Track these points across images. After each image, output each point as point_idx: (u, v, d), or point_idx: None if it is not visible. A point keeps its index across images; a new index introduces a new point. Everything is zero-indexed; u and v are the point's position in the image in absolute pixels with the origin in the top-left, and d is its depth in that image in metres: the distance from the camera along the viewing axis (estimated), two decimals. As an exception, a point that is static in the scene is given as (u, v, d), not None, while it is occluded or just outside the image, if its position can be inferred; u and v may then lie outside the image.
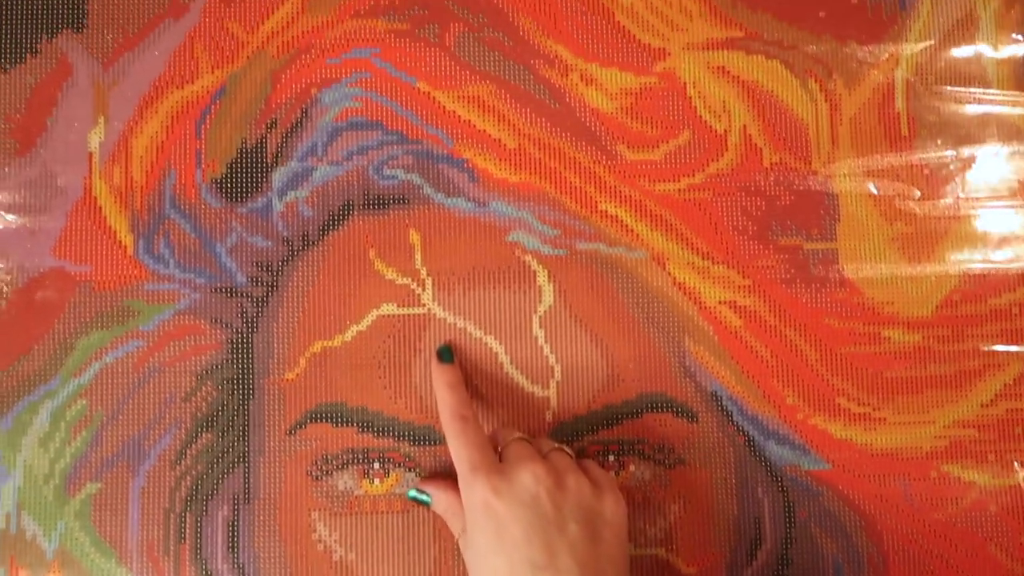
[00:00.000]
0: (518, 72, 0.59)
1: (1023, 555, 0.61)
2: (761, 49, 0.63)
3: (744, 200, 0.61)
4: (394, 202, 0.59)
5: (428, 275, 0.62)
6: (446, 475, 0.57)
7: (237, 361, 0.60)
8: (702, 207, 0.63)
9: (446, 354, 0.60)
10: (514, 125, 0.60)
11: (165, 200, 0.58)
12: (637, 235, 0.63)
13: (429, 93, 0.61)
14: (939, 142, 0.63)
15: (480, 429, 0.58)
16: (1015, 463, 0.61)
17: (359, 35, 0.62)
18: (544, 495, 0.56)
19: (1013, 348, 0.62)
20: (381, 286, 0.61)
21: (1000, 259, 0.63)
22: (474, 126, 0.59)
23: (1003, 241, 0.63)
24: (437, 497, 0.56)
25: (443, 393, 0.58)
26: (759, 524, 0.61)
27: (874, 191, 0.63)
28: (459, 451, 0.57)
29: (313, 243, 0.62)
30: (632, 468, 0.60)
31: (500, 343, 0.60)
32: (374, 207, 0.59)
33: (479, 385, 0.62)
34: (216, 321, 0.61)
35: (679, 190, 0.61)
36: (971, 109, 0.64)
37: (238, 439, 0.60)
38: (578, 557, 0.55)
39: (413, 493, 0.57)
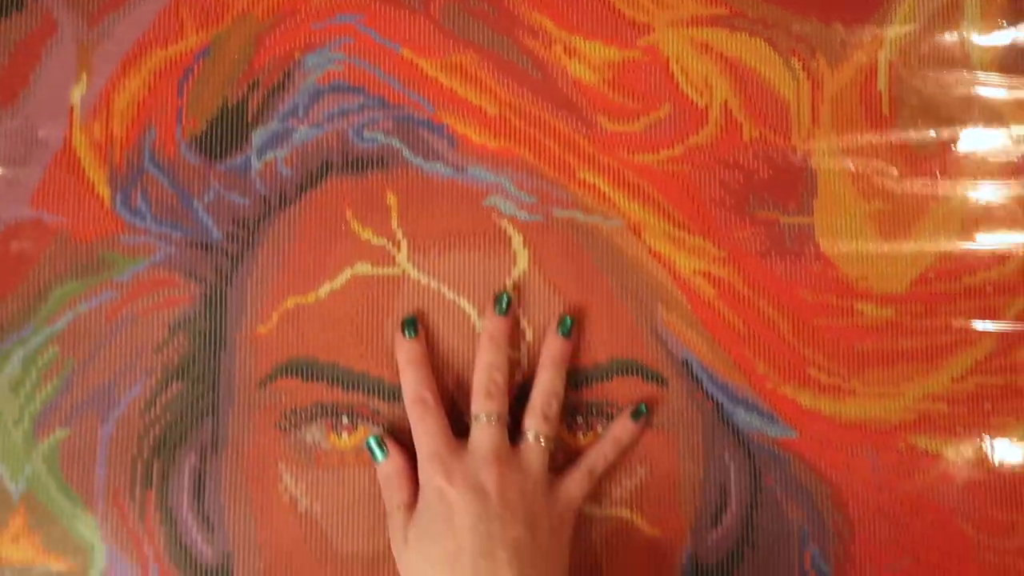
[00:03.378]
0: (502, 42, 0.60)
1: (989, 527, 0.61)
2: (746, 27, 0.63)
3: (722, 173, 0.61)
4: (373, 164, 0.60)
5: (404, 236, 0.62)
6: (410, 446, 0.58)
7: (210, 314, 0.60)
8: (680, 179, 0.64)
9: (410, 327, 0.60)
10: (495, 93, 0.61)
11: (144, 155, 0.59)
12: (614, 204, 0.64)
13: (412, 60, 0.61)
14: (919, 123, 0.63)
15: (440, 411, 0.61)
16: (983, 437, 0.61)
17: (345, 1, 0.62)
18: (495, 491, 0.60)
19: (985, 325, 0.61)
20: (356, 246, 0.61)
21: (976, 239, 0.62)
22: (456, 93, 0.60)
23: (980, 221, 0.64)
24: (392, 460, 0.58)
25: (405, 371, 0.60)
26: (725, 489, 0.61)
27: (852, 168, 0.63)
28: (419, 436, 0.60)
29: (290, 202, 0.63)
30: (599, 430, 0.60)
31: (473, 306, 0.60)
32: (352, 169, 0.60)
33: (449, 345, 0.61)
34: (191, 275, 0.61)
35: (658, 161, 0.61)
36: (954, 92, 0.64)
37: (208, 390, 0.60)
38: (517, 551, 0.58)
39: (374, 441, 0.57)
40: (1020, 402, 0.65)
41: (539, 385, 0.59)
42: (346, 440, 0.59)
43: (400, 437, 0.61)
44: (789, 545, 0.64)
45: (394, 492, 0.57)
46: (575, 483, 0.61)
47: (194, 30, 0.62)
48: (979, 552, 0.64)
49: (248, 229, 0.62)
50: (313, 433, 0.59)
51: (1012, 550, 0.64)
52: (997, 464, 0.65)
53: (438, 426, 0.57)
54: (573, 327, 0.62)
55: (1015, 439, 0.65)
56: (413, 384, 0.59)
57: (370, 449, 0.59)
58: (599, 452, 0.60)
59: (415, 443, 0.58)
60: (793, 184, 0.67)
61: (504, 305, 0.60)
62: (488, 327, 0.61)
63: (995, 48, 0.67)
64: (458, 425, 0.60)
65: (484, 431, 0.57)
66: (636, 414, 0.62)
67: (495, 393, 0.57)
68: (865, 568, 0.64)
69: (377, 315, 0.61)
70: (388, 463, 0.58)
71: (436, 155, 0.61)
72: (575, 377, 0.61)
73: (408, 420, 0.63)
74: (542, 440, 0.57)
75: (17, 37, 0.61)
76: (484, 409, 0.57)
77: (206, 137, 0.61)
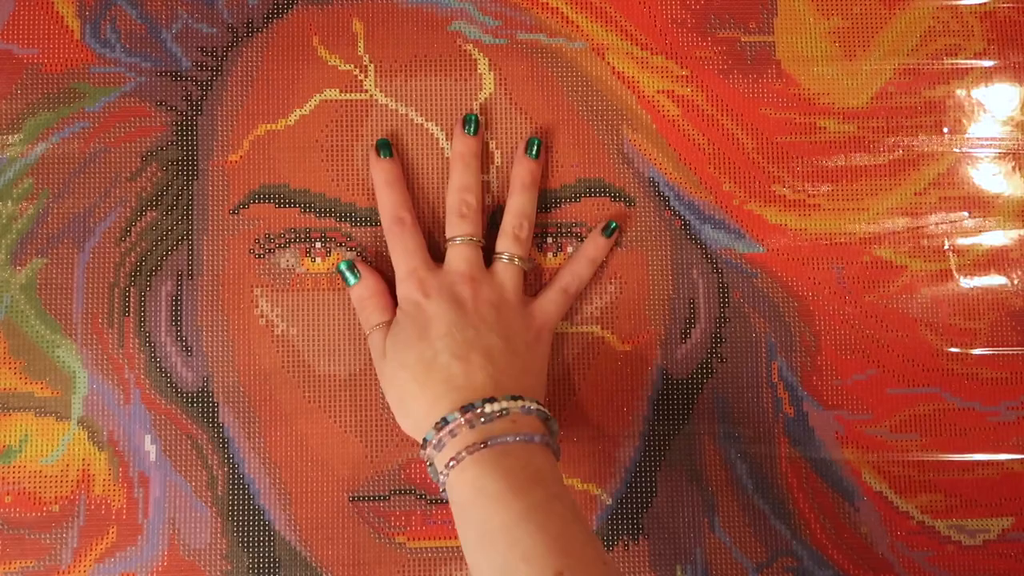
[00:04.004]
0: None
1: (951, 334, 0.62)
2: None
3: (683, -7, 0.62)
4: (338, -8, 0.60)
5: (371, 62, 0.63)
6: (382, 272, 0.62)
7: (182, 143, 0.61)
8: (641, 0, 0.64)
9: (384, 148, 0.61)
10: (457, -80, 0.61)
11: (112, -12, 0.59)
12: (577, 26, 0.64)
13: None
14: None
15: (417, 230, 0.63)
16: (946, 248, 0.61)
17: None
18: (470, 303, 0.62)
19: (946, 139, 0.62)
20: (324, 72, 0.62)
21: (934, 53, 0.63)
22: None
23: (937, 35, 0.64)
24: (365, 282, 0.60)
25: (382, 191, 0.62)
26: (693, 304, 0.62)
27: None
28: (397, 254, 0.62)
29: (257, 30, 0.63)
30: (570, 249, 0.61)
31: (441, 129, 0.61)
32: (318, -1, 0.60)
33: (420, 169, 0.63)
34: (161, 104, 0.61)
35: (619, -16, 0.61)
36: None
37: (182, 218, 0.61)
38: (490, 356, 0.60)
39: (345, 265, 0.58)
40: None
41: (510, 208, 0.60)
42: (320, 264, 0.60)
43: (374, 262, 0.64)
44: (757, 357, 0.65)
45: (371, 313, 0.59)
46: (550, 302, 0.61)
47: None
48: (942, 359, 0.65)
49: (216, 57, 0.62)
50: (287, 258, 0.60)
51: (974, 357, 0.65)
52: (960, 275, 0.65)
53: (416, 244, 0.59)
54: (540, 148, 0.63)
55: (978, 251, 0.66)
56: (390, 204, 0.60)
57: (342, 274, 0.61)
58: (572, 271, 0.62)
59: (393, 262, 0.60)
60: (753, 3, 0.68)
61: (473, 126, 0.62)
62: (458, 148, 0.62)
63: None
64: (433, 252, 0.60)
65: (459, 251, 0.58)
66: (607, 230, 0.63)
67: (468, 215, 0.59)
68: (831, 377, 0.65)
69: (347, 140, 0.61)
70: (361, 285, 0.59)
71: (400, -19, 0.61)
72: (544, 199, 0.61)
73: (383, 244, 0.64)
74: (516, 260, 0.59)
75: None
76: (459, 231, 0.59)
77: (172, -33, 0.61)
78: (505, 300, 0.57)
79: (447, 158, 0.62)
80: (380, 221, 0.61)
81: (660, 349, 0.62)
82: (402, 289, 0.58)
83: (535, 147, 0.63)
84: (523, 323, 0.57)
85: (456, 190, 0.61)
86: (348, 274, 0.60)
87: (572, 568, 0.48)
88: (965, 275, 0.64)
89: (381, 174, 0.61)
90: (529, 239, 0.60)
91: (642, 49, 0.65)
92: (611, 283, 0.62)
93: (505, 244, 0.58)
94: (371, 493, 0.59)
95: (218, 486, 0.60)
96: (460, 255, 0.59)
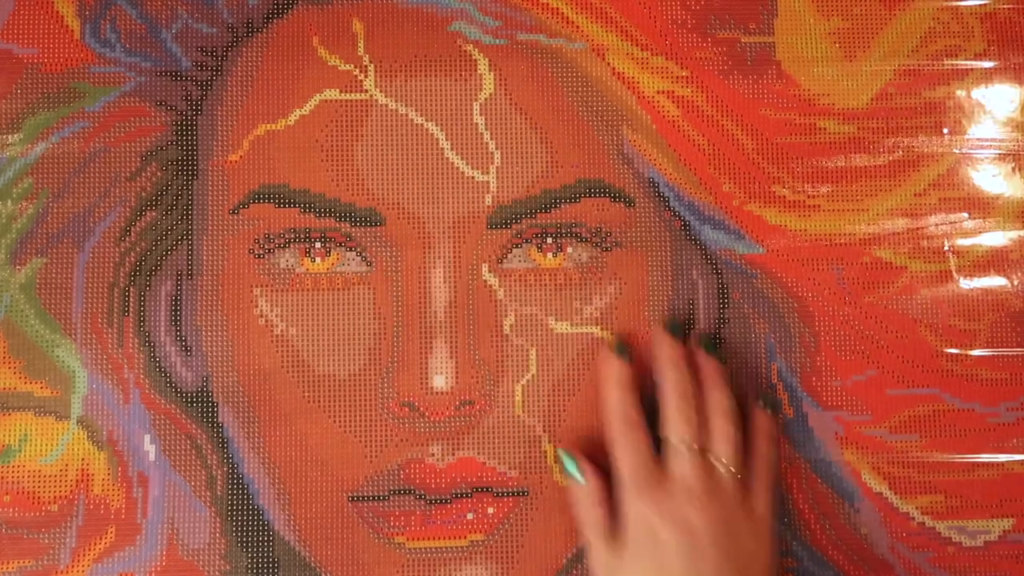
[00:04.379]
0: None
1: (951, 335, 0.62)
2: None
3: (683, -7, 0.62)
4: (338, -8, 0.60)
5: (371, 62, 0.63)
6: (597, 462, 0.60)
7: (182, 143, 0.61)
8: (641, 0, 0.64)
9: (622, 350, 0.61)
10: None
11: (112, -13, 0.59)
12: (577, 27, 0.65)
13: None
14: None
15: (645, 431, 0.59)
16: (946, 249, 0.61)
17: None
18: (704, 533, 0.58)
19: (946, 140, 0.62)
20: (324, 72, 0.62)
21: (934, 54, 0.63)
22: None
23: (938, 35, 0.64)
24: (592, 487, 0.59)
25: (613, 390, 0.60)
26: (693, 305, 0.62)
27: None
28: (623, 456, 0.58)
29: (257, 30, 0.64)
30: (569, 250, 0.61)
31: (441, 129, 0.61)
32: (318, -1, 0.60)
33: (419, 170, 0.62)
34: (161, 104, 0.61)
35: (619, -17, 0.61)
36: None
37: (182, 217, 0.61)
38: None
39: (571, 464, 0.58)
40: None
41: (712, 407, 0.59)
42: (319, 264, 0.60)
43: (374, 263, 0.66)
44: (756, 358, 0.65)
45: (593, 519, 0.59)
46: (761, 502, 0.59)
47: None
48: (942, 360, 0.65)
49: (216, 57, 0.62)
50: (287, 258, 0.60)
51: (973, 359, 0.65)
52: (959, 276, 0.65)
53: (644, 444, 0.58)
54: (719, 345, 0.64)
55: (978, 252, 0.66)
56: (620, 403, 0.59)
57: (569, 474, 0.60)
58: (761, 459, 0.60)
59: (616, 462, 0.58)
60: (753, 4, 0.68)
61: (626, 354, 0.62)
62: (667, 351, 0.62)
63: None
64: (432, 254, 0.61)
65: (685, 461, 0.57)
66: (766, 403, 0.63)
67: (694, 420, 0.58)
68: (830, 378, 0.65)
69: (347, 140, 0.61)
70: (589, 490, 0.59)
71: (400, -17, 0.61)
72: (543, 199, 0.61)
73: (381, 245, 0.64)
74: (732, 468, 0.57)
75: None
76: (683, 437, 0.58)
77: (172, -33, 0.61)
78: (733, 516, 0.57)
79: (447, 158, 0.61)
80: (381, 221, 0.60)
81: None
82: (629, 496, 0.57)
83: (710, 341, 0.65)
84: (751, 535, 0.58)
85: (675, 391, 0.60)
86: (576, 474, 0.60)
87: None
88: (965, 276, 0.64)
89: (615, 374, 0.61)
90: (739, 436, 0.60)
91: (642, 50, 0.65)
92: (611, 284, 0.61)
93: (721, 448, 0.59)
94: (370, 493, 0.59)
95: (217, 486, 0.59)
96: (687, 466, 0.57)
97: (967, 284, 0.66)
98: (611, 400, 0.59)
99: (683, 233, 0.63)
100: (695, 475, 0.56)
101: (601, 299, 0.64)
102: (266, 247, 0.60)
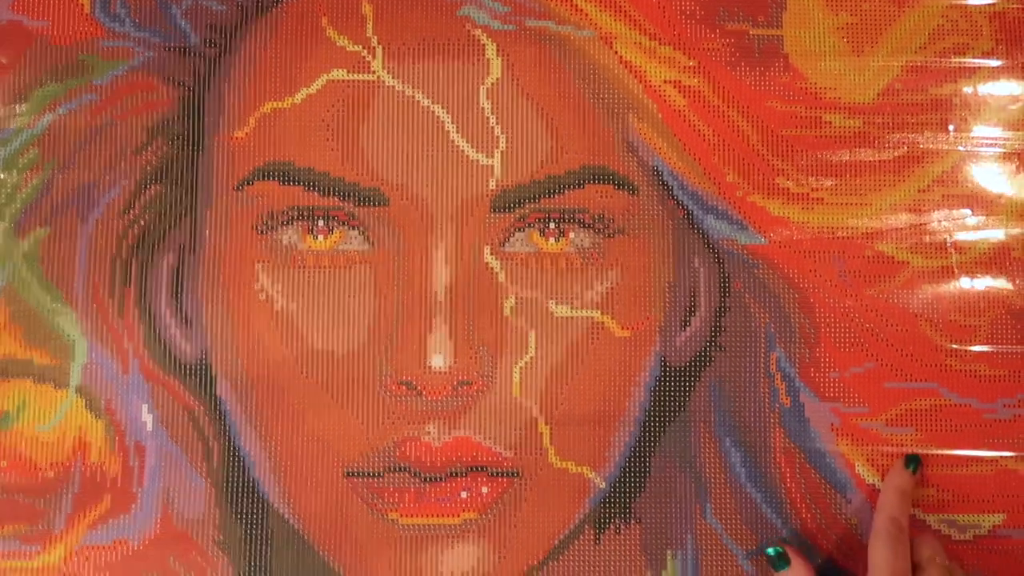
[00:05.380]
0: None
1: (951, 331, 0.63)
2: None
3: (692, -15, 0.63)
4: (348, -26, 0.61)
5: (379, 44, 0.63)
6: (804, 556, 0.60)
7: (188, 118, 0.61)
8: (651, -9, 0.65)
9: (912, 462, 0.61)
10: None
11: (122, -38, 0.60)
12: (586, 14, 0.65)
13: None
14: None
15: (908, 542, 0.57)
16: (948, 245, 0.62)
17: None
18: None
19: (951, 137, 0.62)
20: (332, 52, 0.62)
21: (942, 51, 0.63)
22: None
23: (946, 33, 0.64)
24: (795, 571, 0.59)
25: (891, 495, 0.59)
26: (694, 293, 0.62)
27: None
28: (885, 556, 0.56)
29: (266, 9, 0.65)
30: (572, 235, 0.61)
31: (447, 112, 0.61)
32: (329, -20, 0.61)
33: (424, 152, 0.62)
34: (169, 79, 0.62)
35: (629, -27, 0.62)
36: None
37: (186, 192, 0.61)
38: None
39: (775, 552, 0.59)
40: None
41: (926, 547, 0.59)
42: (322, 242, 0.60)
43: (375, 243, 0.66)
44: (756, 348, 0.65)
45: None
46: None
47: None
48: (941, 355, 0.65)
49: (225, 35, 0.63)
50: (289, 235, 0.60)
51: (972, 354, 0.65)
52: (961, 272, 0.65)
53: (905, 551, 0.57)
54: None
55: (980, 249, 0.66)
56: (895, 508, 0.58)
57: (771, 562, 0.59)
58: (927, 548, 0.60)
59: (875, 560, 0.57)
60: (763, -3, 0.68)
61: (915, 466, 0.61)
62: (897, 481, 0.61)
63: None
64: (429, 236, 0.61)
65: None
66: (909, 461, 0.62)
67: (901, 539, 0.59)
68: (829, 370, 0.65)
69: (353, 120, 0.61)
70: (791, 573, 0.58)
71: (411, -34, 0.61)
72: (548, 184, 0.61)
73: (386, 225, 0.64)
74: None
75: None
76: (891, 554, 0.57)
77: (183, -57, 0.61)
78: None
79: (452, 141, 0.62)
80: (385, 201, 0.61)
81: (659, 336, 0.62)
82: None
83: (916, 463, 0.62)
84: None
85: (888, 518, 0.59)
86: (778, 562, 0.60)
87: None
88: (966, 272, 0.65)
89: (900, 481, 0.61)
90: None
91: (650, 39, 0.66)
92: (612, 269, 0.62)
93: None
94: (365, 469, 0.60)
95: (213, 458, 0.60)
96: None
97: (968, 280, 0.66)
98: (888, 502, 0.58)
99: (686, 222, 0.63)
100: None
101: (602, 285, 0.64)
102: (269, 224, 0.60)
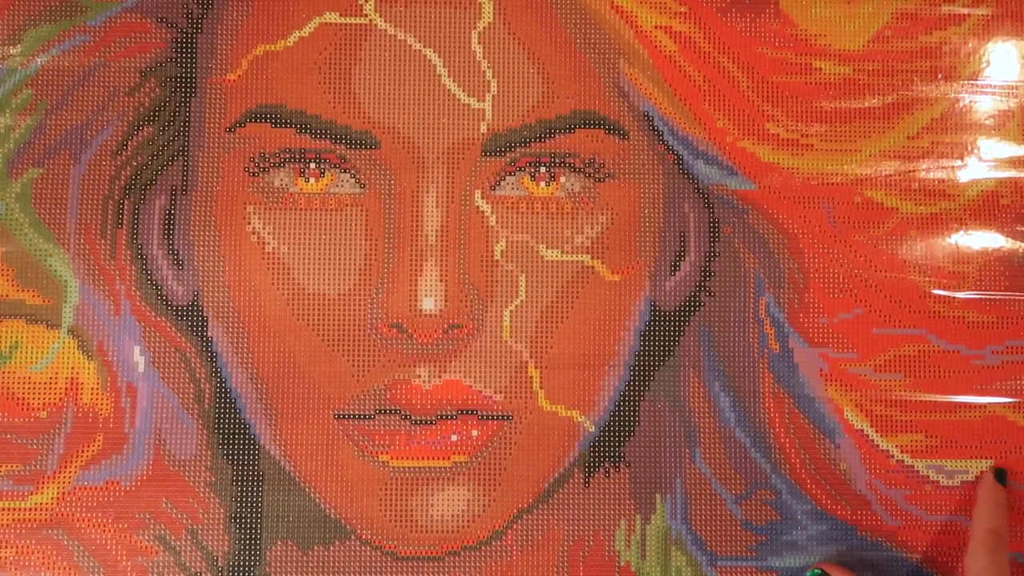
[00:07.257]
0: None
1: (939, 277, 0.64)
2: None
3: (684, -71, 0.62)
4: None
5: (371, -13, 0.62)
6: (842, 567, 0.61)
7: (181, 60, 0.61)
8: (643, -63, 0.65)
9: (1002, 477, 0.62)
10: None
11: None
12: (578, -40, 0.64)
13: None
14: None
15: (1007, 554, 0.58)
16: (937, 192, 0.62)
17: None
18: None
19: (941, 85, 0.62)
20: (325, -5, 0.62)
21: None
22: None
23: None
24: None
25: (989, 507, 0.60)
26: (684, 237, 0.62)
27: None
28: (983, 565, 0.57)
29: (259, -48, 0.63)
30: (562, 180, 0.61)
31: (439, 56, 0.61)
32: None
33: (416, 94, 0.63)
34: (162, 20, 0.61)
35: (621, -81, 0.62)
36: None
37: (178, 134, 0.61)
38: None
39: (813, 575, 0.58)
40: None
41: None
42: (313, 185, 0.60)
43: (367, 185, 0.66)
44: (745, 292, 0.65)
45: None
46: None
47: None
48: (930, 302, 0.65)
49: (218, -23, 0.62)
50: (281, 177, 0.60)
51: (960, 301, 0.65)
52: (949, 219, 0.66)
53: (1003, 562, 0.57)
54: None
55: (968, 195, 0.66)
56: (994, 520, 0.59)
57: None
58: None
59: (973, 569, 0.57)
60: (754, -57, 0.68)
61: (1005, 479, 0.61)
62: (990, 494, 0.61)
63: None
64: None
65: None
66: (997, 475, 0.62)
67: (999, 550, 0.58)
68: (817, 315, 0.65)
69: (345, 63, 0.61)
70: None
71: (403, -89, 0.61)
72: (539, 129, 0.61)
73: (377, 168, 0.64)
74: None
75: None
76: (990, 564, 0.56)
77: None
78: None
79: (443, 85, 0.61)
80: (376, 144, 0.61)
81: (649, 281, 0.62)
82: None
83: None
84: None
85: (984, 529, 0.59)
86: None
87: None
88: (955, 219, 0.64)
89: (994, 495, 0.61)
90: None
91: (641, -16, 0.65)
92: (603, 214, 0.62)
93: None
94: (356, 412, 0.60)
95: (205, 399, 0.60)
96: None
97: (957, 227, 0.66)
98: (985, 514, 0.59)
99: (676, 167, 0.63)
100: None
101: (592, 229, 0.64)
102: (261, 166, 0.60)
